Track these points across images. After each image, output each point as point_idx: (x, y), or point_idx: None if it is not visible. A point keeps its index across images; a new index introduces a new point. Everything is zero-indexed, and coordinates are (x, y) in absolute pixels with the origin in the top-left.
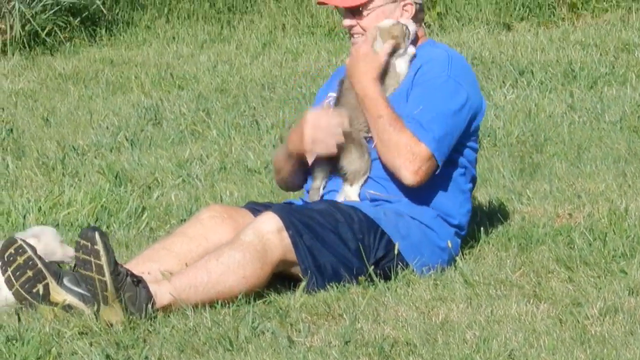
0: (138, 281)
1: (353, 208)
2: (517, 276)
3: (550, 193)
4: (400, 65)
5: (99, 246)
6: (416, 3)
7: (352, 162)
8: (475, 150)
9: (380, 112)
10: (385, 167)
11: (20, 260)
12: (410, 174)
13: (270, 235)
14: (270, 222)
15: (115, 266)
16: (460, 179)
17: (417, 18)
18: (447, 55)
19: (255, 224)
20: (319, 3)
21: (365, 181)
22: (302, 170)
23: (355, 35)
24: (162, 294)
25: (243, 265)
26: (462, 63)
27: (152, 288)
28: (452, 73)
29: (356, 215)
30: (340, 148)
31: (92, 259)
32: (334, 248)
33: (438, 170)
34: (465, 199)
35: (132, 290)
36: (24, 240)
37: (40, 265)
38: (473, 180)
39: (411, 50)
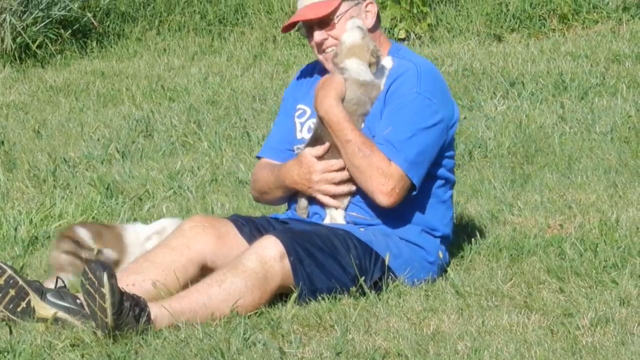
0: (140, 311)
1: (347, 233)
2: (508, 287)
3: (541, 204)
4: (383, 82)
5: (106, 289)
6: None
7: None
8: (453, 157)
9: (347, 137)
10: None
11: (0, 281)
12: (384, 196)
13: (272, 262)
14: (273, 248)
15: (119, 306)
16: (439, 191)
17: (378, 17)
18: (415, 69)
19: (258, 249)
20: (285, 29)
21: (348, 204)
22: (289, 195)
23: (327, 50)
24: (162, 318)
25: (243, 294)
26: (432, 76)
27: (153, 313)
28: (422, 89)
29: (351, 241)
30: None
31: (97, 297)
32: (332, 274)
33: (416, 191)
34: (446, 207)
35: (132, 323)
36: (2, 262)
37: (21, 282)
38: (452, 186)
39: (388, 63)
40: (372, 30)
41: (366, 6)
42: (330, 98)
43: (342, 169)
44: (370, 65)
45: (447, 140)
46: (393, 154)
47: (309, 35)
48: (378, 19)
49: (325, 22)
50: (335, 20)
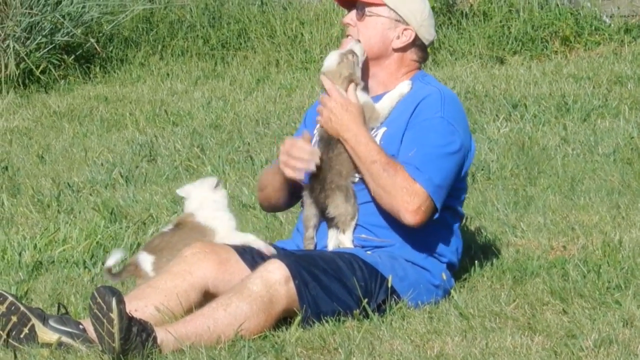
0: (147, 336)
1: (352, 255)
2: (511, 308)
3: (544, 225)
4: (383, 103)
5: (114, 314)
6: (420, 37)
7: (337, 206)
8: (465, 190)
9: (374, 157)
10: (383, 211)
11: (2, 308)
12: (409, 215)
13: (277, 286)
14: (278, 272)
15: (127, 332)
16: (449, 219)
17: (416, 47)
18: (439, 94)
19: (263, 273)
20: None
21: (356, 227)
22: (287, 190)
23: (348, 37)
24: (167, 342)
25: (249, 318)
26: (455, 102)
27: (159, 337)
28: (446, 114)
29: (356, 263)
30: (326, 195)
31: (105, 322)
32: (338, 297)
33: (437, 215)
34: (455, 237)
35: (139, 348)
36: (3, 290)
37: (22, 308)
38: (461, 218)
39: (405, 88)
40: (398, 50)
41: (404, 30)
42: (359, 122)
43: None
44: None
45: (463, 170)
46: (417, 175)
47: (347, 14)
48: (412, 45)
49: (359, 9)
50: (367, 14)
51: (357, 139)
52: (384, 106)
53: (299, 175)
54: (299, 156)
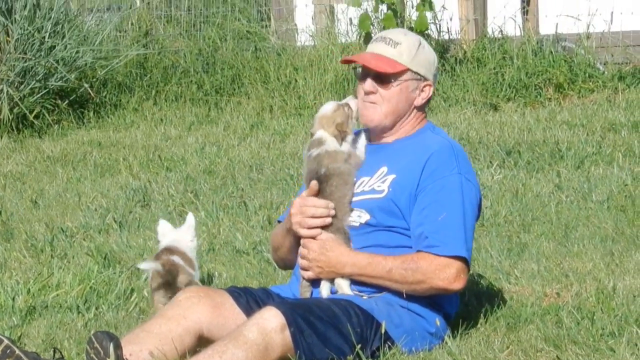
0: None
1: (348, 302)
2: (505, 355)
3: (538, 272)
4: (360, 149)
5: (111, 359)
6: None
7: None
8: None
9: (386, 267)
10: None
11: None
12: (454, 285)
13: (273, 334)
14: (274, 320)
15: None
16: None
17: (428, 100)
18: (451, 148)
19: (259, 321)
20: (345, 61)
21: None
22: (298, 249)
23: (367, 103)
24: None
25: None
26: (465, 155)
27: None
28: (462, 169)
29: (352, 309)
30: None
31: None
32: (333, 344)
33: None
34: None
35: None
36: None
37: (18, 351)
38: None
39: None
40: (419, 109)
41: (424, 86)
42: (345, 252)
43: (321, 207)
44: (335, 137)
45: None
46: (450, 246)
47: (362, 78)
48: (428, 101)
49: (382, 78)
50: (394, 84)
51: (358, 265)
52: (362, 151)
53: (316, 233)
54: (314, 214)
